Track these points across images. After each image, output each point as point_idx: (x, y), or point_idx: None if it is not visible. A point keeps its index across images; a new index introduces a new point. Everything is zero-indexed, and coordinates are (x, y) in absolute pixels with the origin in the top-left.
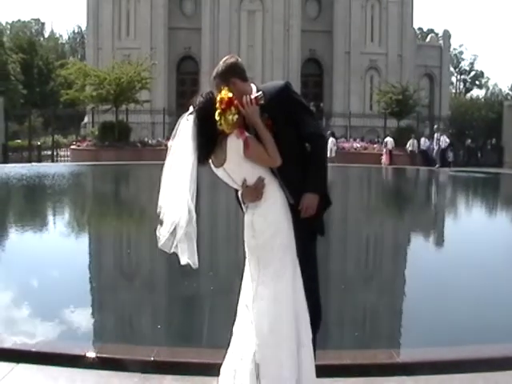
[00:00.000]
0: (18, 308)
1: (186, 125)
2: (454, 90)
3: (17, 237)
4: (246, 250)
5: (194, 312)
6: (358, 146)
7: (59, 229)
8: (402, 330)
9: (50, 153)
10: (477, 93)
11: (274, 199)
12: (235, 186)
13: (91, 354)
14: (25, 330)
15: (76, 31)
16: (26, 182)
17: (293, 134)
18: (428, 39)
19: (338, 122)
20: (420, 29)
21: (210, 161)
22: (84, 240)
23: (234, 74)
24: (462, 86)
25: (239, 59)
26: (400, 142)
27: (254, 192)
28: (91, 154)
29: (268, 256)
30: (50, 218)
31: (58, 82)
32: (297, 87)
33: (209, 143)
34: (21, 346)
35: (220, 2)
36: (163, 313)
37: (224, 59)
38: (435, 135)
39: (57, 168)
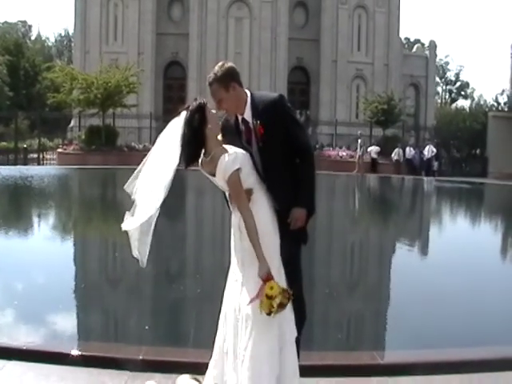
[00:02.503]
0: (9, 307)
1: (177, 122)
2: (439, 100)
3: (2, 239)
4: (232, 249)
5: (181, 313)
6: (344, 154)
7: (45, 231)
8: (385, 332)
9: (36, 156)
10: (462, 103)
11: (261, 203)
12: (222, 189)
13: (82, 352)
14: (16, 328)
15: (63, 34)
16: (12, 184)
17: (282, 145)
18: (414, 49)
19: (324, 130)
20: (407, 39)
21: (199, 163)
22: (71, 242)
23: (233, 79)
24: (447, 96)
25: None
26: (385, 151)
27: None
28: (78, 157)
29: (253, 256)
30: (35, 220)
31: (44, 84)
32: (284, 94)
33: (195, 150)
34: (12, 344)
35: (208, 8)
36: (150, 314)
37: (220, 64)
38: (428, 147)
39: (43, 171)
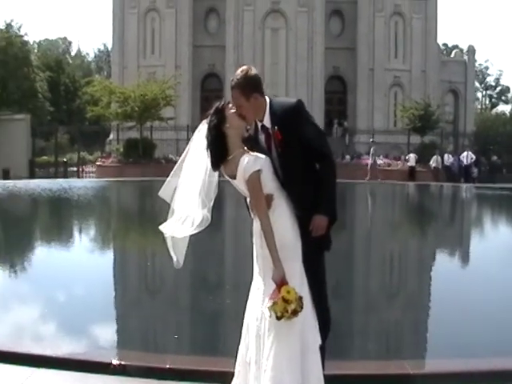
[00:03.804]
0: (41, 316)
1: (202, 128)
2: (479, 106)
3: (43, 250)
4: (254, 257)
5: (212, 323)
6: (382, 162)
7: (84, 243)
8: (417, 342)
9: (75, 169)
10: (502, 108)
11: (282, 211)
12: (244, 194)
13: (109, 361)
14: (46, 336)
15: (102, 49)
16: (53, 196)
17: (301, 151)
18: (453, 55)
19: (361, 138)
20: (445, 45)
21: (222, 168)
22: (107, 254)
23: (255, 90)
24: (487, 102)
25: (256, 71)
26: (423, 159)
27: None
28: (116, 170)
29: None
30: (76, 232)
31: (84, 99)
32: (321, 105)
33: (218, 152)
34: (41, 352)
35: (244, 19)
36: (182, 323)
37: (244, 70)
38: (466, 153)
39: (82, 183)
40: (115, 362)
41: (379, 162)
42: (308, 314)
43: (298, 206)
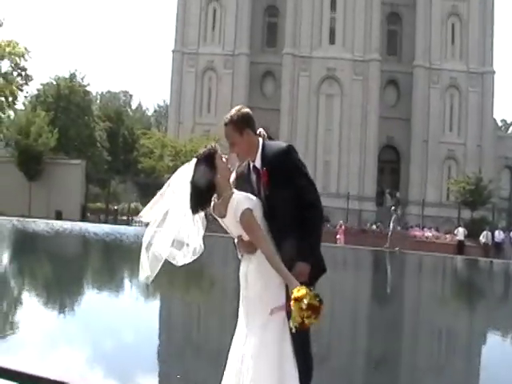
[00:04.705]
0: (93, 360)
1: (187, 169)
2: None
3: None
4: (240, 297)
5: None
6: (430, 234)
7: (125, 290)
8: None
9: (125, 218)
10: None
11: None
12: (232, 236)
13: None
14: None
15: (161, 105)
16: (96, 239)
17: (289, 196)
18: (510, 130)
19: (413, 210)
20: (503, 120)
21: (211, 207)
22: (149, 304)
23: (248, 125)
24: None
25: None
26: (473, 233)
27: (249, 246)
28: None
29: (257, 307)
30: (118, 278)
31: (141, 151)
32: (373, 173)
33: (206, 194)
34: None
35: (299, 84)
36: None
37: (237, 108)
38: None
39: (125, 230)
40: None
41: (428, 234)
42: (288, 361)
43: (280, 251)
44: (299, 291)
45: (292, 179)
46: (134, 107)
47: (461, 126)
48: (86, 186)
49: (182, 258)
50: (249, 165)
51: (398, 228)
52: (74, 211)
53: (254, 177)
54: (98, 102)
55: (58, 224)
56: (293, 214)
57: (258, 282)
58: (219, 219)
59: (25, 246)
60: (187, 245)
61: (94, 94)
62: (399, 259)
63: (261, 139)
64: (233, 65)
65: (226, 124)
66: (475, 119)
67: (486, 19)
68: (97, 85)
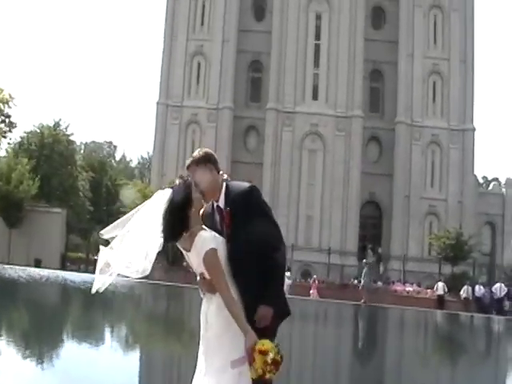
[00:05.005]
0: None
1: (160, 197)
2: None
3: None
4: (200, 337)
5: None
6: (411, 289)
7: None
8: None
9: None
10: None
11: (232, 293)
12: (194, 270)
13: None
14: None
15: (145, 157)
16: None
17: (251, 237)
18: (490, 187)
19: (394, 265)
20: (484, 177)
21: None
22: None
23: (209, 161)
24: None
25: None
26: (454, 288)
27: (211, 285)
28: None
29: (216, 349)
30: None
31: (123, 202)
32: (355, 229)
33: (180, 225)
34: None
35: (283, 139)
36: None
37: (199, 150)
38: (498, 285)
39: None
40: None
41: (409, 288)
42: None
43: (241, 294)
44: (264, 345)
45: (253, 220)
46: (117, 158)
47: (442, 182)
48: (67, 235)
49: (128, 273)
50: (212, 205)
51: (371, 281)
52: (53, 260)
53: (217, 217)
54: (82, 151)
55: (36, 271)
56: (254, 256)
57: (218, 324)
58: (184, 252)
59: None
60: (134, 264)
61: (78, 143)
62: (368, 312)
63: (224, 182)
64: (216, 118)
65: (188, 166)
66: (456, 175)
67: (467, 77)
68: (81, 135)
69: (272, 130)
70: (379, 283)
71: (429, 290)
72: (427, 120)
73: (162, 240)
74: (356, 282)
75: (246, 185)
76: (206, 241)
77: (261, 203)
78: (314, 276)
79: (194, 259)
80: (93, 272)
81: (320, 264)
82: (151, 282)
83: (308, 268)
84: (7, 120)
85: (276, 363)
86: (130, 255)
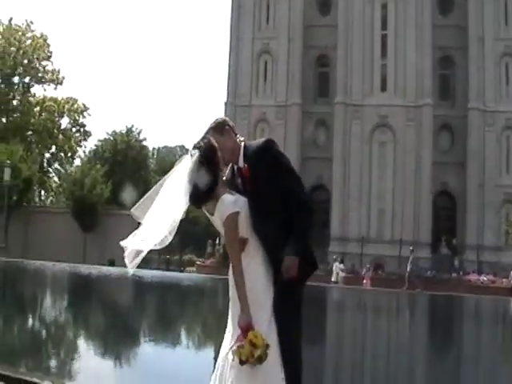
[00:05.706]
0: None
1: (187, 164)
2: None
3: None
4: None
5: None
6: (485, 279)
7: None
8: None
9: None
10: None
11: (254, 254)
12: (220, 232)
13: None
14: None
15: None
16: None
17: (274, 192)
18: None
19: (470, 256)
20: None
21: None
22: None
23: (226, 124)
24: None
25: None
26: None
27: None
28: (212, 269)
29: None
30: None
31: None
32: (428, 220)
33: (210, 190)
34: None
35: (352, 133)
36: None
37: (215, 118)
38: None
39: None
40: None
41: (483, 278)
42: (274, 365)
43: (267, 248)
44: (256, 337)
45: (276, 175)
46: None
47: None
48: None
49: (145, 245)
50: (233, 169)
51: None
52: None
53: (238, 179)
54: (155, 156)
55: (109, 269)
56: (279, 210)
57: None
58: (208, 215)
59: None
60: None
61: (151, 149)
62: (423, 300)
63: (242, 142)
64: (285, 115)
65: (206, 133)
66: None
67: None
68: (153, 140)
69: (341, 124)
70: (454, 275)
71: (504, 280)
72: (501, 104)
73: (187, 205)
74: (429, 273)
75: (262, 140)
76: (228, 205)
77: (278, 156)
78: (368, 265)
79: (218, 221)
80: (165, 270)
81: (393, 257)
82: (217, 277)
83: (380, 262)
84: (82, 129)
85: (260, 360)
86: (155, 226)
